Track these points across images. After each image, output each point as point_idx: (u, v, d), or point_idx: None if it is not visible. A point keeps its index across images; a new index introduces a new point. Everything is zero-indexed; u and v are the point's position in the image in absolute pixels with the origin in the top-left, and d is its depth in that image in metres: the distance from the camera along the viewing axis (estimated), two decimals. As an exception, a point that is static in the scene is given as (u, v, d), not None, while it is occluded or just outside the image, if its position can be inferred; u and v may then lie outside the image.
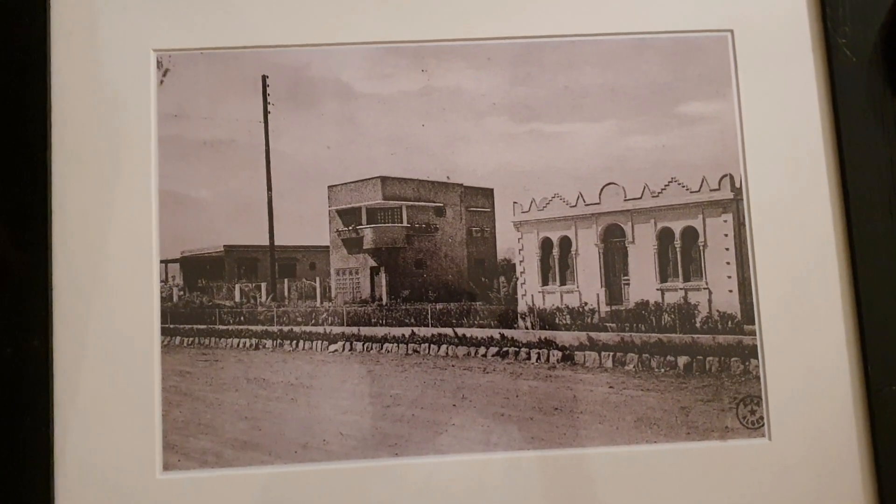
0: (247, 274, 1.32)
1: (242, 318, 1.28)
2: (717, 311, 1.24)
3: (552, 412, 1.20)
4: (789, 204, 1.23)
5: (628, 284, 1.28)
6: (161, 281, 1.19)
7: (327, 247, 1.30)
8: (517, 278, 1.29)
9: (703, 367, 1.22)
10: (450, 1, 1.24)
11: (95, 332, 1.16)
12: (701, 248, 1.28)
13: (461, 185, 1.27)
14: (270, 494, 1.15)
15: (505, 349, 1.27)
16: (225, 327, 1.26)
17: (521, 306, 1.27)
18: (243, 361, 1.25)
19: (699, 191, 1.27)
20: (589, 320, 1.26)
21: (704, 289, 1.25)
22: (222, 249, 1.26)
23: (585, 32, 1.26)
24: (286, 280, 1.32)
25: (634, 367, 1.24)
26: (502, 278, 1.29)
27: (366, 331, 1.27)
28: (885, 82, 1.22)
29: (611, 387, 1.22)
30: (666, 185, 1.26)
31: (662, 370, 1.23)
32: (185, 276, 1.25)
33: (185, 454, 1.16)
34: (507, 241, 1.31)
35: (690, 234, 1.30)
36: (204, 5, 1.23)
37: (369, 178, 1.27)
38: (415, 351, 1.25)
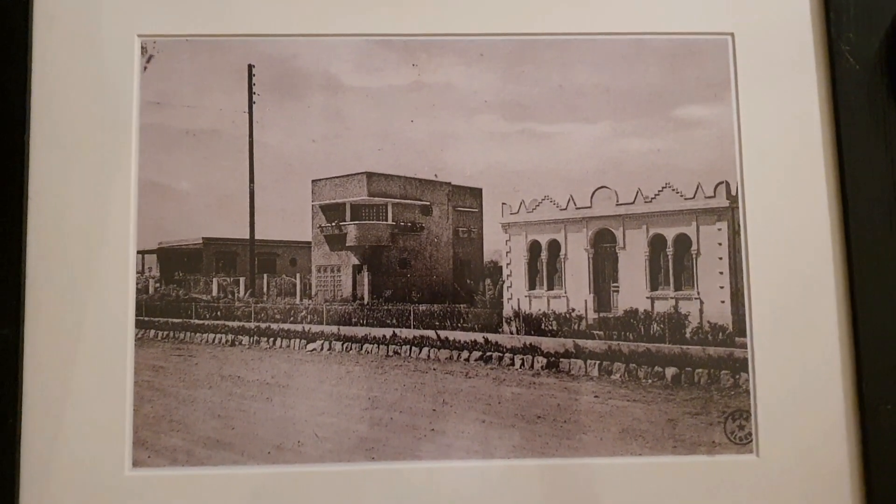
0: (225, 268, 1.31)
1: (219, 314, 1.28)
2: (709, 321, 1.23)
3: (535, 420, 1.19)
4: (786, 214, 1.22)
5: (617, 291, 1.27)
6: (137, 272, 1.18)
7: (309, 243, 1.30)
8: (503, 281, 1.28)
9: (692, 379, 1.21)
10: (443, -6, 1.24)
11: (68, 323, 1.15)
12: (694, 256, 1.27)
13: (449, 183, 1.26)
14: (242, 496, 1.14)
15: (488, 354, 1.26)
16: (201, 322, 1.26)
17: (507, 310, 1.26)
18: (218, 358, 1.24)
19: (694, 197, 1.26)
20: (576, 327, 1.25)
21: (696, 298, 1.24)
22: (201, 242, 1.26)
23: (582, 31, 1.25)
24: (265, 275, 1.32)
25: (621, 376, 1.23)
26: (488, 281, 1.28)
27: (346, 330, 1.27)
28: (889, 91, 1.22)
29: (596, 396, 1.21)
30: (660, 191, 1.26)
31: (650, 381, 1.22)
32: (161, 267, 1.24)
33: (155, 451, 1.15)
34: (495, 243, 1.30)
35: (683, 242, 1.29)
36: (191, -9, 1.23)
37: (355, 174, 1.26)
38: (395, 353, 1.25)
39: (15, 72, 1.17)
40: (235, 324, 1.27)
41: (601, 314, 1.27)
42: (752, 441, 1.18)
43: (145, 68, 1.21)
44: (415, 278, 1.33)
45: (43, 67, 1.19)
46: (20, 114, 1.16)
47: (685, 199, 1.26)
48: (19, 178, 1.15)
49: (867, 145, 1.21)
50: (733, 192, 1.23)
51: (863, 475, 1.17)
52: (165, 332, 1.22)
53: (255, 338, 1.26)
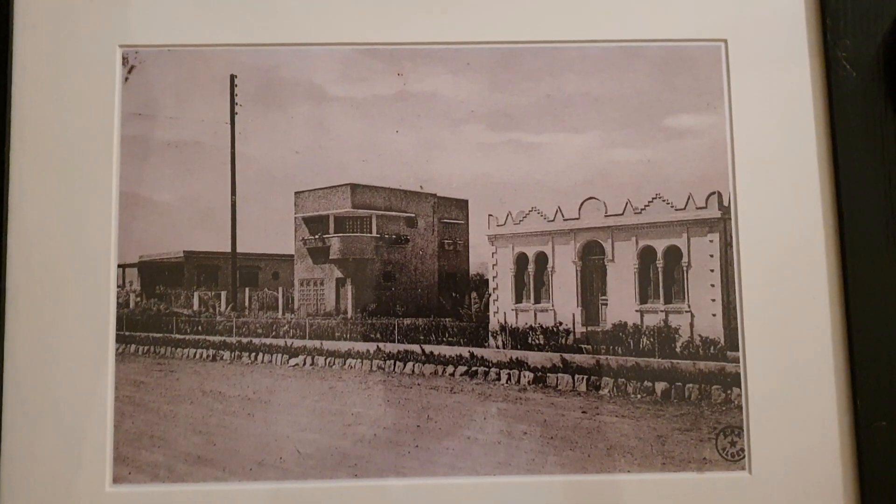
0: (207, 281, 1.32)
1: (200, 328, 1.28)
2: (699, 335, 1.22)
3: (521, 436, 1.19)
4: (780, 225, 1.21)
5: (606, 305, 1.27)
6: (118, 286, 1.19)
7: (292, 256, 1.30)
8: (490, 294, 1.28)
9: (682, 394, 1.21)
10: (428, 2, 1.24)
11: (48, 337, 1.16)
12: (684, 268, 1.26)
13: (434, 195, 1.26)
14: (223, 512, 1.15)
15: (474, 369, 1.26)
16: (182, 337, 1.27)
17: (493, 324, 1.27)
18: (199, 373, 1.25)
19: (685, 208, 1.25)
20: (563, 341, 1.25)
21: (686, 312, 1.24)
22: (182, 255, 1.26)
23: (570, 39, 1.25)
24: (247, 289, 1.33)
25: (609, 391, 1.22)
26: (474, 294, 1.28)
27: (329, 345, 1.27)
28: (887, 99, 1.21)
29: (584, 412, 1.21)
30: (650, 202, 1.25)
31: (639, 396, 1.22)
32: (142, 281, 1.25)
33: (136, 467, 1.16)
34: (481, 256, 1.30)
35: (674, 254, 1.29)
36: (173, 1, 1.23)
37: (338, 186, 1.26)
38: (379, 367, 1.24)
39: (-6, 84, 1.18)
40: (217, 338, 1.28)
41: (589, 328, 1.26)
42: (744, 457, 1.17)
43: (126, 79, 1.22)
44: (399, 292, 1.33)
45: (23, 78, 1.20)
46: (0, 125, 1.17)
47: (676, 210, 1.26)
48: (-1, 191, 1.16)
49: (864, 155, 1.20)
50: (725, 203, 1.23)
51: (857, 492, 1.16)
52: (146, 347, 1.23)
53: (237, 353, 1.27)
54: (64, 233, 1.18)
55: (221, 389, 1.23)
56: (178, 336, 1.27)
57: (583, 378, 1.23)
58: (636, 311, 1.26)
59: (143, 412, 1.18)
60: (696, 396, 1.20)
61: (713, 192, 1.23)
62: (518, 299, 1.30)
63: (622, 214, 1.27)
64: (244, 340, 1.28)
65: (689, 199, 1.24)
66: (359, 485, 1.17)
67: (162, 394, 1.21)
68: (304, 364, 1.25)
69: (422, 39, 1.24)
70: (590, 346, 1.24)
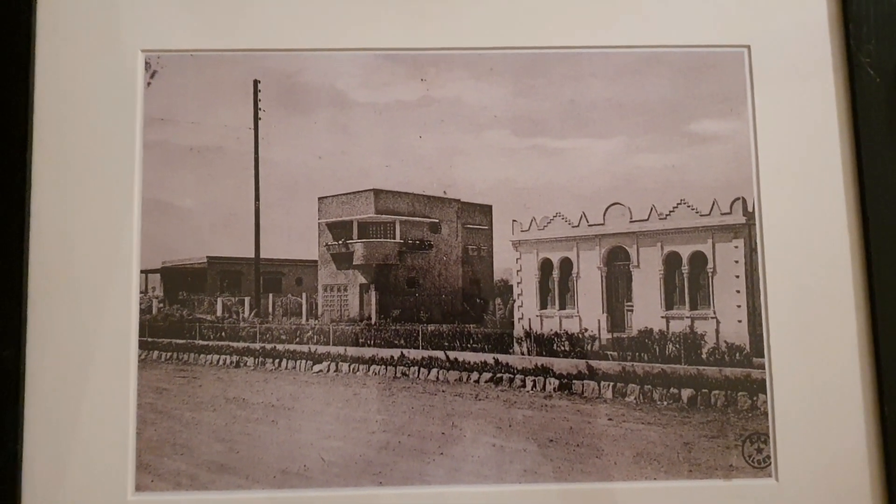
0: (230, 287, 1.32)
1: (223, 334, 1.28)
2: (725, 341, 1.22)
3: (547, 444, 1.18)
4: (805, 230, 1.21)
5: (632, 311, 1.27)
6: (140, 292, 1.19)
7: (315, 261, 1.31)
8: (514, 301, 1.28)
9: (709, 401, 1.20)
10: (452, 8, 1.24)
11: (70, 344, 1.15)
12: (710, 274, 1.27)
13: (458, 200, 1.27)
14: (246, 521, 1.15)
15: (499, 375, 1.26)
16: (205, 343, 1.27)
17: (518, 330, 1.27)
18: (223, 379, 1.25)
19: (710, 214, 1.26)
20: (589, 347, 1.25)
21: (712, 318, 1.24)
22: (205, 261, 1.26)
23: (594, 45, 1.25)
24: (271, 295, 1.33)
25: (635, 398, 1.22)
26: (498, 300, 1.28)
27: (353, 351, 1.27)
28: (911, 105, 1.21)
29: (610, 419, 1.21)
30: (674, 207, 1.25)
31: (665, 403, 1.22)
32: (165, 287, 1.25)
33: (158, 475, 1.15)
34: (505, 262, 1.31)
35: (699, 260, 1.29)
36: (196, 6, 1.23)
37: (362, 191, 1.27)
38: (403, 374, 1.24)
39: (17, 88, 1.18)
40: (240, 344, 1.28)
41: (615, 334, 1.26)
42: (770, 464, 1.17)
43: (149, 84, 1.22)
44: (423, 297, 1.33)
45: (45, 83, 1.20)
46: (22, 130, 1.17)
47: (701, 215, 1.26)
48: (21, 195, 1.16)
49: (888, 160, 1.20)
50: (750, 209, 1.23)
51: (886, 499, 1.16)
52: (169, 354, 1.23)
53: (261, 359, 1.27)
54: (86, 238, 1.17)
55: (245, 396, 1.22)
56: (200, 342, 1.27)
57: (609, 385, 1.23)
58: (662, 317, 1.26)
59: (166, 419, 1.18)
60: (723, 403, 1.20)
61: (738, 198, 1.24)
62: (543, 305, 1.30)
63: (647, 220, 1.27)
64: (268, 347, 1.27)
65: (713, 204, 1.25)
66: (383, 493, 1.16)
67: (184, 401, 1.20)
68: (328, 370, 1.25)
69: (445, 45, 1.24)
70: (616, 353, 1.24)
